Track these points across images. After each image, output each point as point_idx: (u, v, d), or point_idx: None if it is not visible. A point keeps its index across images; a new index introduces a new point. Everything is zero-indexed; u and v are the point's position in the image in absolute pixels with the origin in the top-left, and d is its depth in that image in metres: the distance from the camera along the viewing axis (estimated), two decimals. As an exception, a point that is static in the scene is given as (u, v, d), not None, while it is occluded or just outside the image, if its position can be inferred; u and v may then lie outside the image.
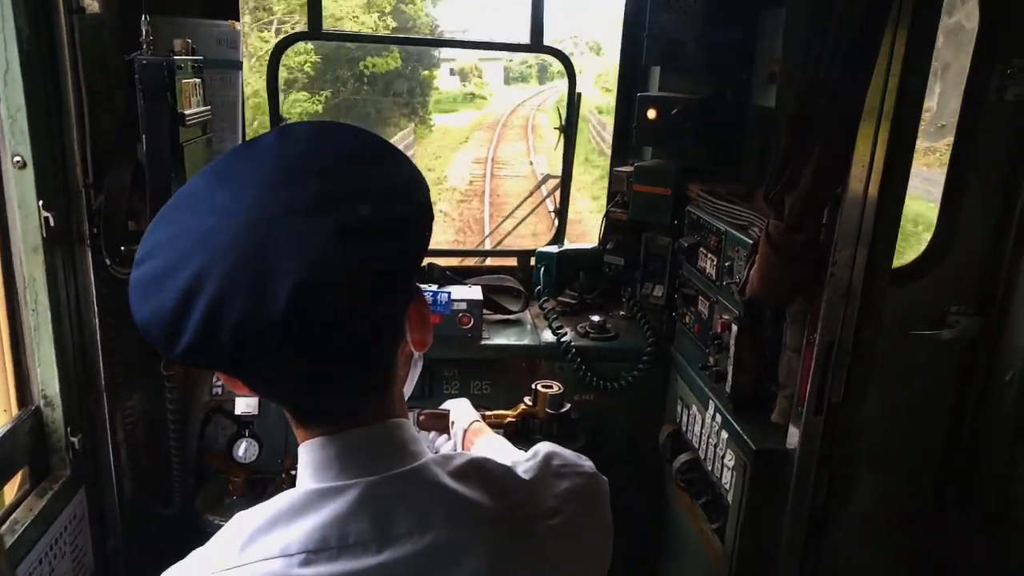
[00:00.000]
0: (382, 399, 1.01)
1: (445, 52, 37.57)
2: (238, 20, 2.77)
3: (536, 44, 3.09)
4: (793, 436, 2.07)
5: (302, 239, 0.83)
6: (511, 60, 45.59)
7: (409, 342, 1.02)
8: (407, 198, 0.93)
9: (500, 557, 0.96)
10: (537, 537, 1.01)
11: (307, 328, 0.82)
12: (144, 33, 2.16)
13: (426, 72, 27.19)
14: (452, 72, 41.98)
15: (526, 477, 1.06)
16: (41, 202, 1.93)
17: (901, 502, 3.00)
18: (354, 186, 0.90)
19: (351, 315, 0.85)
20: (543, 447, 1.16)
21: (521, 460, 1.12)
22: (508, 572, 0.97)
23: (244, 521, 0.96)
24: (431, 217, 0.96)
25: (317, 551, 0.91)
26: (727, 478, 2.28)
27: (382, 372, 1.00)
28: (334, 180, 0.89)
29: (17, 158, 1.88)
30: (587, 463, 1.17)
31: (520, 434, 2.54)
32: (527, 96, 39.17)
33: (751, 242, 2.16)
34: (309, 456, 0.99)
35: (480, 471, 1.02)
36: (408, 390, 1.12)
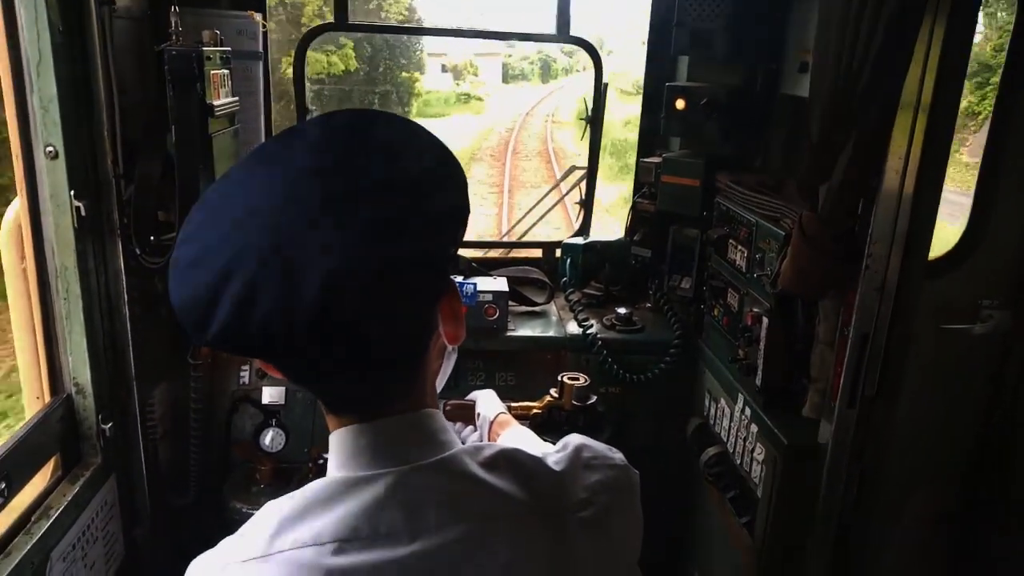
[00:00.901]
0: (413, 390, 1.01)
1: (434, 46, 33.41)
2: (263, 12, 2.78)
3: (563, 34, 3.07)
4: (825, 430, 2.04)
5: (335, 230, 0.83)
6: (510, 55, 42.40)
7: (442, 335, 1.02)
8: (444, 192, 0.93)
9: (530, 549, 0.96)
10: (567, 529, 1.00)
11: (337, 319, 0.82)
12: (173, 24, 2.17)
13: (407, 74, 24.73)
14: (444, 69, 38.34)
15: (557, 469, 1.05)
16: (72, 192, 1.95)
17: (931, 500, 2.96)
18: (392, 178, 0.89)
19: (382, 308, 0.85)
20: (573, 439, 1.15)
21: (551, 451, 1.11)
22: (538, 564, 0.96)
23: (275, 510, 0.97)
24: (467, 212, 0.96)
25: (348, 540, 0.91)
26: (756, 472, 2.26)
27: (414, 364, 1.00)
28: (372, 171, 0.89)
29: (49, 148, 1.89)
30: (618, 455, 1.16)
31: (546, 426, 2.52)
32: (531, 97, 35.74)
33: (783, 234, 2.13)
34: (340, 445, 0.99)
35: (511, 462, 1.02)
36: (440, 383, 1.12)
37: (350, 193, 0.86)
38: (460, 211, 0.94)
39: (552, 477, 1.04)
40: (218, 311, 0.83)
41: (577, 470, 1.07)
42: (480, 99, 34.73)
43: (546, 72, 46.73)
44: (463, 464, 0.98)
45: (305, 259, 0.82)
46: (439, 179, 0.93)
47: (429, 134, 0.97)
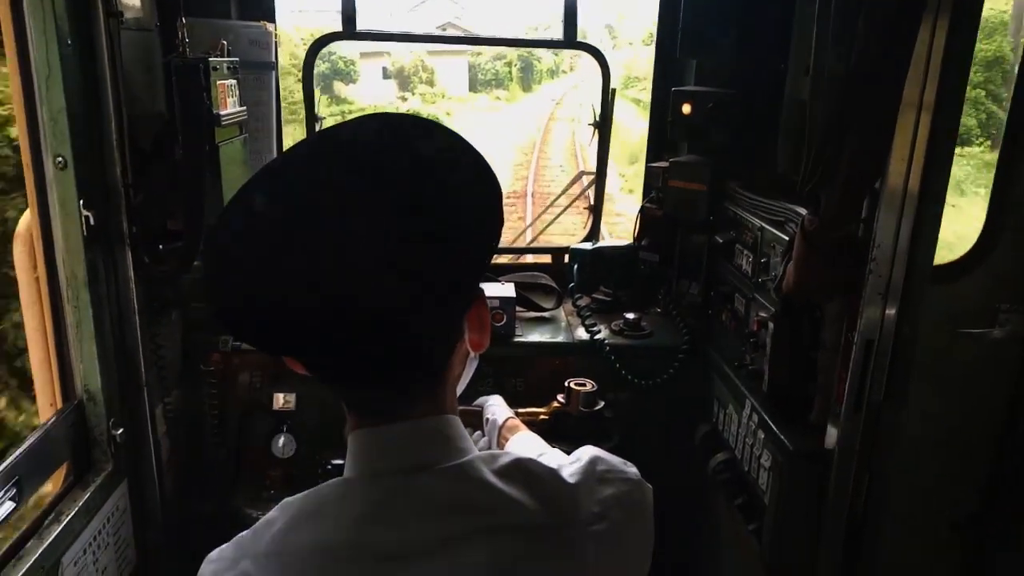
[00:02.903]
0: (435, 395, 1.02)
1: (371, 44, 24.59)
2: (273, 22, 2.81)
3: (570, 39, 3.07)
4: (831, 436, 2.02)
5: (373, 236, 0.85)
6: (479, 53, 34.01)
7: (467, 342, 1.04)
8: (482, 201, 0.95)
9: (541, 560, 0.96)
10: (579, 542, 1.00)
11: (370, 324, 0.85)
12: (180, 35, 2.20)
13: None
14: (386, 75, 31.13)
15: (571, 481, 1.05)
16: (82, 202, 1.98)
17: (949, 507, 2.91)
18: (430, 187, 0.91)
19: (414, 314, 0.87)
20: (587, 451, 1.15)
21: (566, 463, 1.11)
22: (548, 574, 0.97)
23: (289, 507, 0.99)
24: (501, 223, 0.97)
25: (359, 540, 0.93)
26: (764, 479, 2.23)
27: (438, 370, 1.02)
28: (411, 180, 0.91)
29: (59, 159, 1.93)
30: (632, 469, 1.16)
31: (553, 432, 2.53)
32: (515, 114, 28.07)
33: (787, 238, 2.11)
34: (358, 446, 1.00)
35: (526, 472, 1.02)
36: (460, 388, 1.13)
37: (385, 200, 0.88)
38: (496, 221, 0.96)
39: (566, 489, 1.04)
40: (255, 309, 0.88)
41: (591, 483, 1.07)
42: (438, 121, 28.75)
43: (528, 75, 37.81)
44: (478, 471, 0.99)
45: (341, 264, 0.84)
46: (476, 191, 0.95)
47: (467, 142, 0.99)
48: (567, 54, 35.43)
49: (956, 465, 2.88)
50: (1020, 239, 2.71)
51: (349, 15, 2.90)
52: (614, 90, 3.19)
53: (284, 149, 2.84)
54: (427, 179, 0.92)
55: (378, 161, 0.92)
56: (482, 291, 1.04)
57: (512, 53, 34.60)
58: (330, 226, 0.86)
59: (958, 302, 2.76)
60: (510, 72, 36.71)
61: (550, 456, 1.22)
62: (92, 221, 2.01)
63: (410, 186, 0.90)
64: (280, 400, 2.84)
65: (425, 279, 0.86)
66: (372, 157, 0.93)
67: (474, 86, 34.61)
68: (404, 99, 28.70)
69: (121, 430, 2.21)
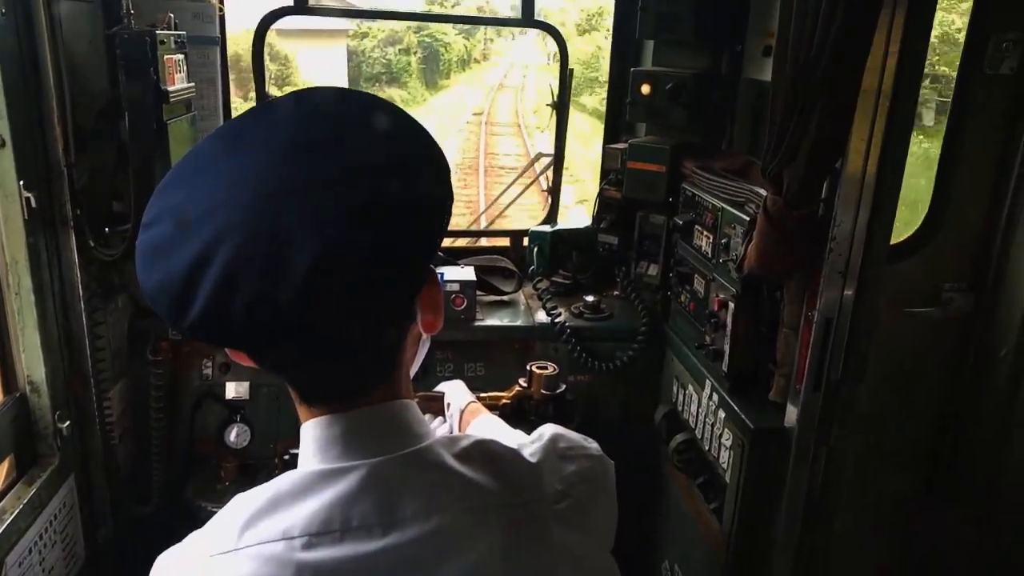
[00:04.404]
0: (389, 380, 0.99)
1: None
2: (220, -4, 2.71)
3: (528, 18, 3.04)
4: (791, 414, 2.06)
5: (320, 215, 0.80)
6: (363, 36, 26.27)
7: (419, 324, 1.00)
8: (429, 177, 0.90)
9: (507, 541, 0.94)
10: (544, 521, 0.99)
11: (322, 307, 0.80)
12: (124, 7, 2.10)
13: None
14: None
15: (533, 460, 1.04)
16: (22, 182, 1.89)
17: (893, 483, 3.01)
18: (375, 162, 0.86)
19: (366, 296, 0.83)
20: (548, 429, 1.14)
21: (527, 442, 1.10)
22: (515, 556, 0.95)
23: (244, 503, 0.94)
24: (451, 199, 0.93)
25: (320, 534, 0.89)
26: (724, 457, 2.27)
27: (391, 353, 0.98)
28: (354, 154, 0.86)
29: (-4, 137, 1.83)
30: (593, 445, 1.16)
31: (516, 415, 2.52)
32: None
33: (748, 219, 2.13)
34: (312, 435, 0.96)
35: (487, 454, 1.00)
36: (413, 370, 1.09)
37: (336, 175, 0.83)
38: (445, 198, 0.92)
39: (528, 469, 1.03)
40: (197, 297, 0.80)
41: (553, 461, 1.06)
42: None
43: (433, 68, 29.28)
44: (438, 456, 0.96)
45: (290, 242, 0.79)
46: (423, 164, 0.91)
47: (410, 116, 0.94)
48: (479, 39, 33.60)
49: (901, 441, 2.97)
50: (963, 221, 2.80)
51: (301, -10, 2.82)
52: (572, 71, 3.17)
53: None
54: (378, 150, 0.88)
55: (323, 132, 0.88)
56: (434, 271, 1.00)
57: (412, 37, 27.81)
58: (273, 201, 0.81)
59: (903, 282, 2.84)
60: (409, 64, 27.69)
61: (511, 436, 1.21)
62: (33, 203, 1.92)
63: (359, 157, 0.86)
64: (233, 389, 2.76)
65: (380, 257, 0.82)
66: (317, 128, 0.88)
67: (356, 82, 25.00)
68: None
69: (68, 422, 2.12)
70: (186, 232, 0.83)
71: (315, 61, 22.69)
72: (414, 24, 27.80)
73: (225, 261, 0.79)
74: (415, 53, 28.40)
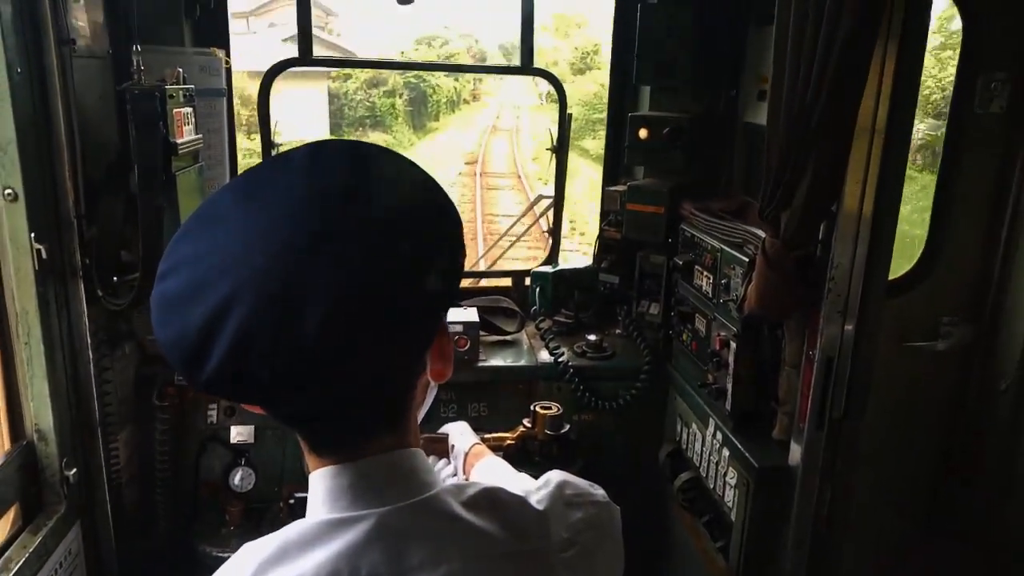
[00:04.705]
0: (397, 428, 0.99)
1: None
2: (227, 48, 2.78)
3: (526, 66, 3.11)
4: (795, 452, 2.06)
5: (332, 272, 0.81)
6: (347, 78, 25.73)
7: (428, 372, 1.01)
8: (443, 234, 0.92)
9: None
10: (551, 569, 0.99)
11: (335, 359, 0.81)
12: (135, 63, 2.16)
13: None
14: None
15: (539, 507, 1.04)
16: (33, 235, 1.91)
17: (892, 517, 2.99)
18: (390, 217, 0.87)
19: (379, 348, 0.84)
20: (555, 476, 1.14)
21: (533, 489, 1.10)
22: None
23: (252, 552, 0.94)
24: (464, 254, 0.95)
25: None
26: (729, 496, 2.27)
27: (401, 403, 0.99)
28: (369, 209, 0.87)
29: (8, 191, 1.86)
30: (599, 492, 1.16)
31: (520, 456, 2.52)
32: None
33: (747, 259, 2.16)
34: (321, 485, 0.97)
35: (494, 502, 1.01)
36: (419, 416, 1.11)
37: (348, 229, 0.84)
38: (458, 252, 0.93)
39: (535, 516, 1.03)
40: (214, 351, 0.80)
41: (560, 508, 1.06)
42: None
43: (420, 111, 27.92)
44: (446, 504, 0.97)
45: (305, 295, 0.80)
46: (437, 221, 0.92)
47: (419, 168, 0.96)
48: (468, 79, 33.31)
49: (904, 475, 2.97)
50: (960, 256, 2.83)
51: (305, 42, 2.89)
52: (571, 115, 3.23)
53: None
54: (392, 203, 0.89)
55: (338, 184, 0.89)
56: (444, 321, 1.01)
57: (398, 79, 26.31)
58: (289, 254, 0.82)
59: (903, 317, 2.86)
60: (393, 106, 26.43)
61: (517, 482, 1.21)
62: (44, 254, 1.94)
63: (372, 210, 0.87)
64: (237, 433, 2.77)
65: (388, 319, 0.83)
66: (331, 181, 0.89)
67: (338, 126, 24.33)
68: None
69: (74, 470, 2.12)
70: (201, 287, 0.83)
71: (295, 103, 20.00)
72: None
73: (242, 315, 0.80)
74: (400, 95, 27.11)
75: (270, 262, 0.82)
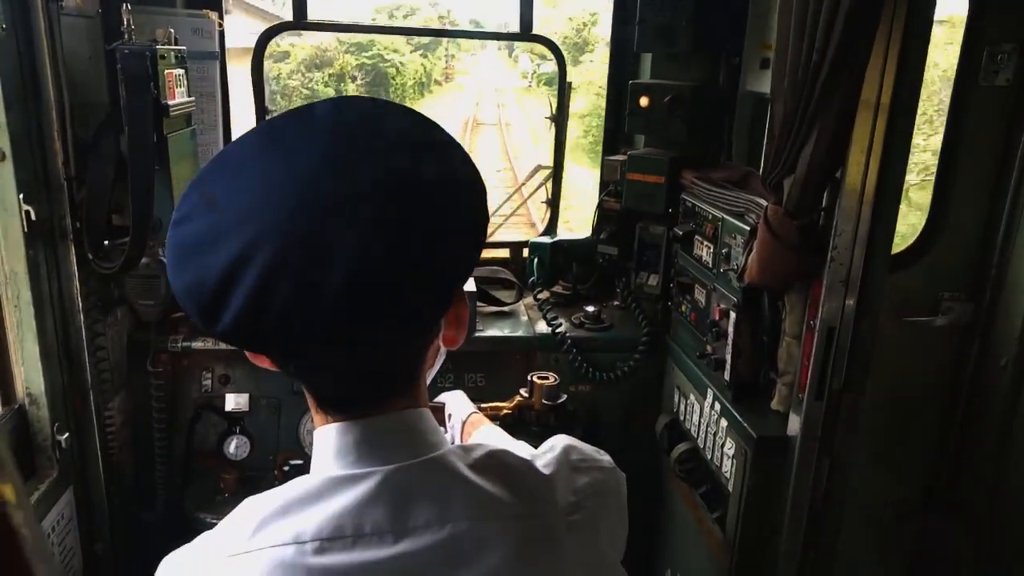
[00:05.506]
0: (407, 389, 0.99)
1: None
2: (220, 10, 2.72)
3: (526, 33, 3.05)
4: (794, 423, 2.05)
5: (359, 231, 0.79)
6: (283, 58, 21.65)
7: (441, 338, 1.00)
8: (471, 195, 0.90)
9: (519, 553, 0.94)
10: (556, 533, 0.98)
11: (353, 322, 0.79)
12: (125, 22, 2.11)
13: None
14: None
15: (546, 472, 1.03)
16: (22, 195, 1.89)
17: (891, 493, 3.00)
18: (417, 179, 0.85)
19: (399, 310, 0.82)
20: (560, 440, 1.13)
21: (539, 453, 1.09)
22: (527, 568, 0.94)
23: (256, 506, 0.93)
24: (487, 219, 0.93)
25: (331, 539, 0.88)
26: (727, 467, 2.26)
27: (413, 365, 0.98)
28: (396, 170, 0.85)
29: (-4, 151, 1.83)
30: (605, 457, 1.16)
31: (517, 426, 2.51)
32: None
33: (748, 228, 2.13)
34: (327, 442, 0.96)
35: (500, 464, 1.00)
36: (428, 379, 1.09)
37: (376, 190, 0.82)
38: (482, 217, 0.91)
39: (541, 480, 1.02)
40: (232, 299, 0.79)
41: (566, 473, 1.06)
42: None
43: (382, 95, 20.72)
44: (452, 465, 0.96)
45: (330, 248, 0.78)
46: (462, 183, 0.90)
47: (446, 132, 0.94)
48: (440, 54, 30.61)
49: (901, 450, 2.97)
50: (961, 231, 2.81)
51: (300, 5, 2.83)
52: (570, 83, 3.19)
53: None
54: (419, 165, 0.86)
55: (366, 143, 0.86)
56: (462, 289, 0.99)
57: (348, 59, 23.72)
58: (317, 205, 0.80)
59: (903, 291, 2.84)
60: (340, 95, 16.04)
61: (515, 447, 1.21)
62: (33, 216, 1.91)
63: (401, 171, 0.85)
64: (232, 401, 2.74)
65: (411, 282, 0.82)
66: (358, 138, 0.87)
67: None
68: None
69: (66, 434, 2.11)
70: (222, 232, 0.81)
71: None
72: (352, 42, 24.07)
73: (262, 265, 0.78)
74: (353, 79, 23.96)
75: (293, 214, 0.80)
